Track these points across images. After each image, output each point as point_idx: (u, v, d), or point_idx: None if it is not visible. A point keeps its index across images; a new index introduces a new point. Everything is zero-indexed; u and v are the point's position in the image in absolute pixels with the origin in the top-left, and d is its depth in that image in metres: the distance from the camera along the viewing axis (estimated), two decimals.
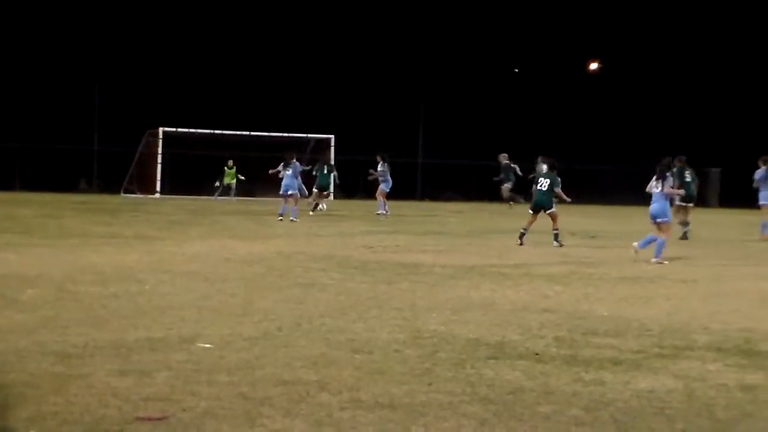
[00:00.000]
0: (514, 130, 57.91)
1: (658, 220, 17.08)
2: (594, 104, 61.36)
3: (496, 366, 7.27)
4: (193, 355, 7.43)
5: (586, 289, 12.46)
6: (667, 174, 17.46)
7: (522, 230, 20.05)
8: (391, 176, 31.82)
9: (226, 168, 45.84)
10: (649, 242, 17.14)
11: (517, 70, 62.80)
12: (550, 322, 9.47)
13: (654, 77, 62.28)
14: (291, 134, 48.40)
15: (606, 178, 55.45)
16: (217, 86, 55.93)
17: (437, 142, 56.16)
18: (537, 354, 7.78)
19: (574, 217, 33.47)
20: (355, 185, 50.11)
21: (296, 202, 27.44)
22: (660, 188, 17.14)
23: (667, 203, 17.51)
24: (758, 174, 24.90)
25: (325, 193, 33.34)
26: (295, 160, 28.50)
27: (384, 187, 31.30)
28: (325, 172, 32.60)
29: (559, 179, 20.24)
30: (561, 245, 19.52)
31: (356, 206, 33.76)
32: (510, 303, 10.83)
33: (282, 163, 28.06)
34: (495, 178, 40.03)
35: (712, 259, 17.92)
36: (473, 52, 62.05)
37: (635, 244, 17.09)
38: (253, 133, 48.56)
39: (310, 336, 8.39)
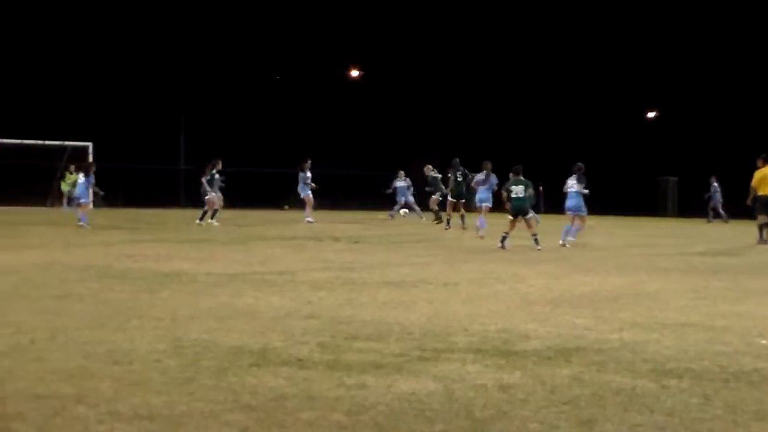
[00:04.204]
0: (277, 137, 58.11)
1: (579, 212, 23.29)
2: (354, 110, 62.32)
3: (258, 373, 7.19)
4: None
5: (349, 294, 12.52)
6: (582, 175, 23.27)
7: (503, 233, 21.86)
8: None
9: (67, 174, 43.86)
10: (568, 232, 23.11)
11: (278, 77, 62.93)
12: (314, 327, 9.46)
13: (411, 83, 63.74)
14: (45, 141, 46.82)
15: (366, 182, 56.30)
16: None
17: (199, 149, 55.68)
18: (300, 360, 7.74)
19: (336, 223, 33.77)
20: (116, 194, 48.99)
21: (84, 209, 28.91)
22: (576, 187, 23.09)
23: (581, 198, 23.21)
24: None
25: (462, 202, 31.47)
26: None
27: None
28: (459, 179, 31.07)
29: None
30: (540, 248, 21.44)
31: (117, 215, 32.94)
32: (273, 310, 10.76)
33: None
34: (427, 189, 37.69)
35: (473, 262, 18.39)
36: (233, 59, 61.84)
37: (560, 241, 22.74)
38: (3, 140, 46.38)
39: (67, 348, 8.08)
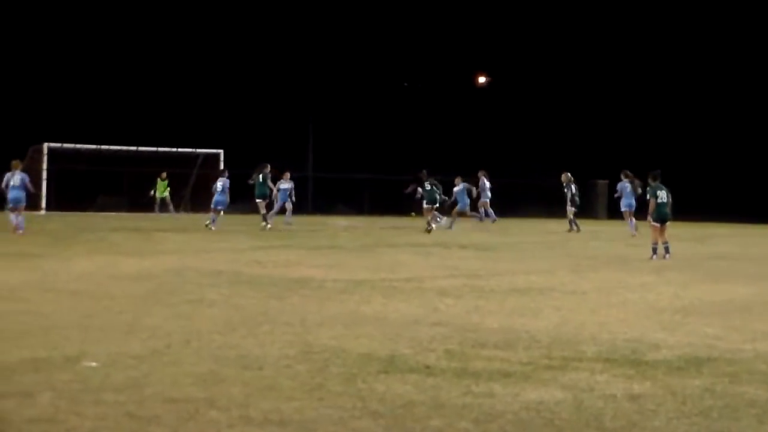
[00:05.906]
0: (404, 144, 58.28)
1: None
2: (482, 118, 62.06)
3: (387, 380, 7.25)
4: (79, 374, 7.25)
5: (476, 301, 12.51)
6: None
7: (653, 245, 21.10)
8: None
9: (159, 180, 45.55)
10: None
11: (406, 84, 63.10)
12: (441, 335, 9.48)
13: (542, 91, 63.21)
14: (179, 149, 48.02)
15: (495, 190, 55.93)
16: (102, 100, 55.12)
17: (327, 155, 56.23)
18: (428, 367, 7.78)
19: (464, 231, 33.72)
20: (244, 199, 49.75)
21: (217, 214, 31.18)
22: None
23: None
24: (620, 185, 31.29)
25: (435, 206, 34.36)
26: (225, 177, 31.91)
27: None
28: (428, 188, 34.20)
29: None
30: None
31: (245, 221, 33.46)
32: (401, 316, 10.82)
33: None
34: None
35: (601, 270, 18.18)
36: (361, 66, 62.23)
37: None
38: (140, 148, 47.75)
39: (199, 353, 8.27)
